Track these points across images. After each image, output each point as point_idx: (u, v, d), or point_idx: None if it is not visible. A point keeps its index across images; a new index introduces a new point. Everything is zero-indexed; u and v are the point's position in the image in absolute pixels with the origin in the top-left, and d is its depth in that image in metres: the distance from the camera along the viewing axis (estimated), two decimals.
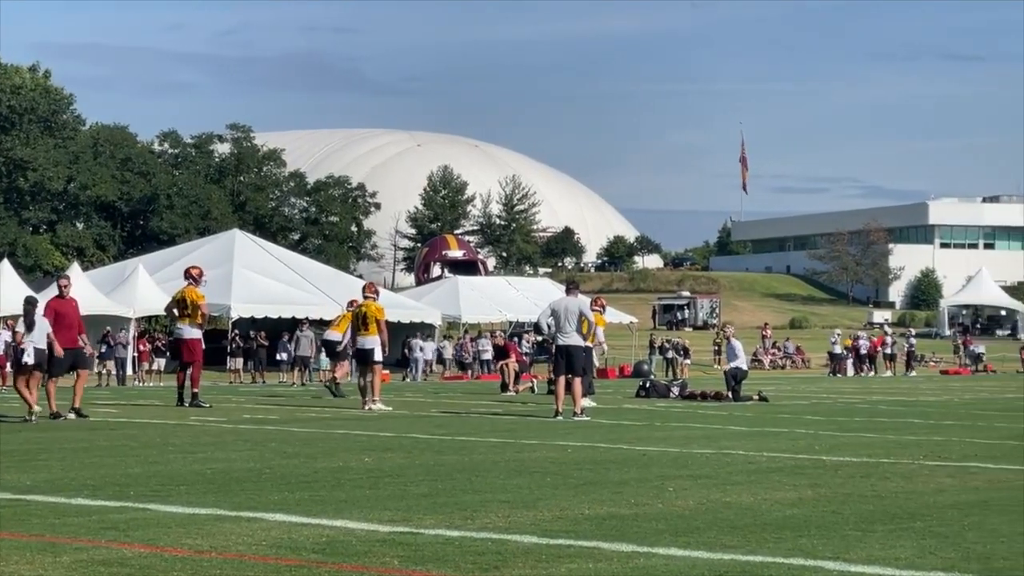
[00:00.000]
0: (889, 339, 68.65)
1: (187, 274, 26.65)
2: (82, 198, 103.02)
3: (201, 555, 8.03)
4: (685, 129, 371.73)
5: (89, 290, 51.15)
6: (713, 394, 32.28)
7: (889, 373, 65.64)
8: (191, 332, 25.97)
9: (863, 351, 66.91)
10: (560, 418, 22.49)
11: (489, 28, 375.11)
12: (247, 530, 8.96)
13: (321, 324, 57.87)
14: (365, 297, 27.21)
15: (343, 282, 60.51)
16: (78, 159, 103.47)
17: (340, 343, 34.12)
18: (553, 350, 24.51)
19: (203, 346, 26.60)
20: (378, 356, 26.34)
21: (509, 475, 12.81)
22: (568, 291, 24.55)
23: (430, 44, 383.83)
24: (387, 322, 27.45)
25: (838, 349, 66.62)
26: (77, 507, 10.10)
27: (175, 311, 26.42)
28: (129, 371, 49.70)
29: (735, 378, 31.81)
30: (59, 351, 21.63)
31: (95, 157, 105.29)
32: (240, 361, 51.68)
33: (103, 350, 48.37)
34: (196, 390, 25.73)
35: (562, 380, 23.56)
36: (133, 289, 52.07)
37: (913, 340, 71.59)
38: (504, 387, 36.86)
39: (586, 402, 24.73)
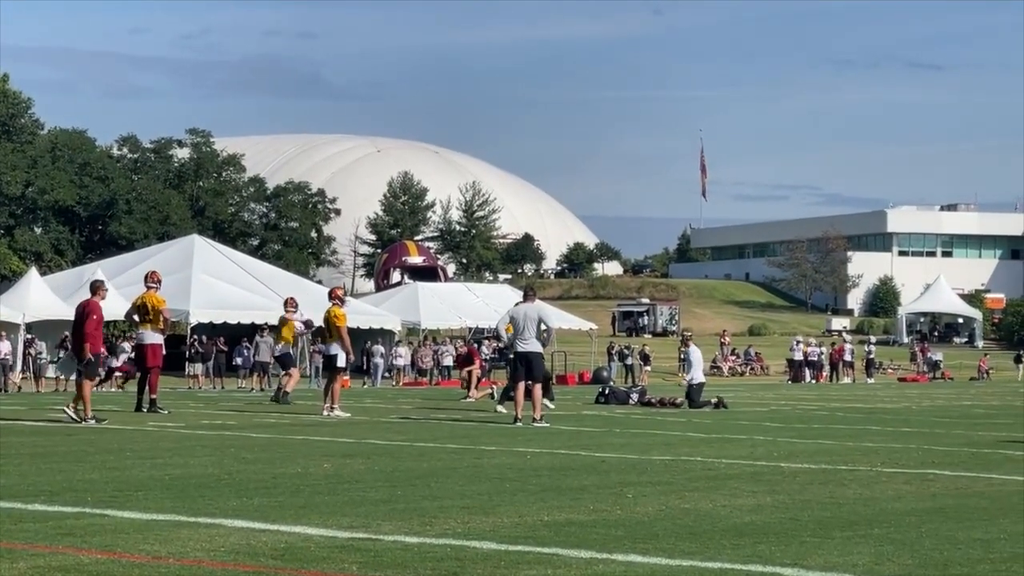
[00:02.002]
0: (848, 346, 69.01)
1: (148, 279, 26.55)
2: (40, 203, 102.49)
3: (159, 561, 8.00)
4: (645, 136, 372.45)
5: (47, 295, 50.93)
6: (671, 401, 32.35)
7: (848, 380, 65.94)
8: (152, 337, 25.86)
9: (812, 358, 67.28)
10: (519, 424, 22.50)
11: (450, 34, 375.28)
12: (205, 536, 8.93)
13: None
14: (332, 302, 27.11)
15: (303, 288, 60.31)
16: (36, 163, 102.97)
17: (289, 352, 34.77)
18: (511, 357, 24.54)
19: (164, 352, 26.51)
20: (341, 362, 26.33)
21: (468, 481, 12.81)
22: (526, 298, 24.58)
23: (391, 49, 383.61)
24: (347, 328, 27.35)
25: (798, 356, 66.92)
26: (34, 513, 10.04)
27: (135, 317, 26.32)
28: None
29: (697, 391, 31.82)
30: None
31: (53, 162, 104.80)
32: (199, 366, 51.47)
33: (60, 355, 48.10)
34: (154, 396, 25.60)
35: (521, 387, 23.58)
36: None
37: (872, 347, 71.95)
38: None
39: (546, 401, 24.78)
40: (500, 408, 27.31)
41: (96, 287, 23.86)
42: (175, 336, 53.42)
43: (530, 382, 23.58)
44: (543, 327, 23.75)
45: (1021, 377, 74.96)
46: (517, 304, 25.87)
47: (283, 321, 35.31)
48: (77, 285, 53.88)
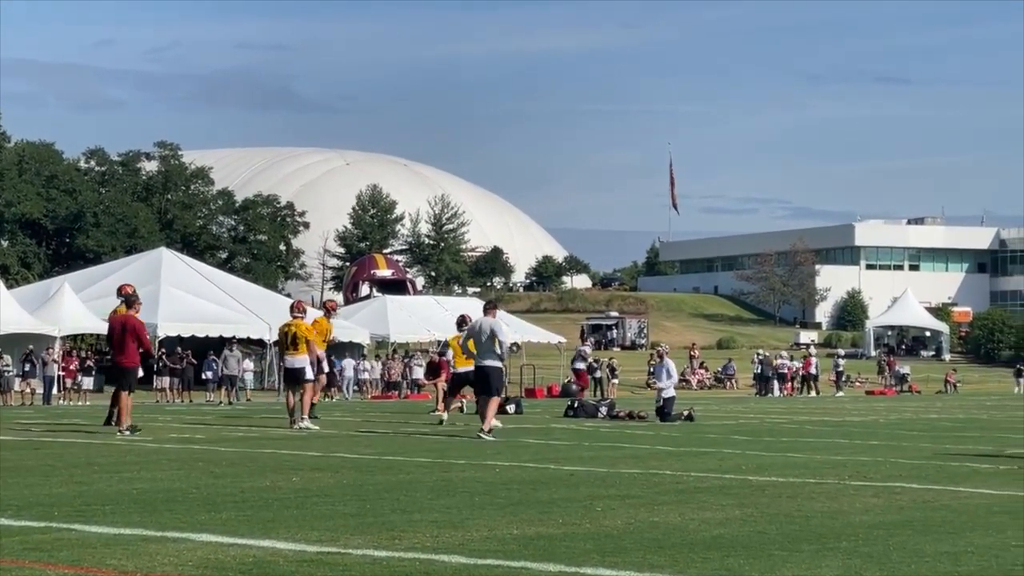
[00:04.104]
0: (815, 360, 69.37)
1: (119, 293, 26.36)
2: (7, 215, 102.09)
3: (126, 575, 7.96)
4: (614, 149, 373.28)
5: (14, 308, 50.74)
6: (640, 414, 32.40)
7: (814, 393, 66.25)
8: None
9: (782, 370, 67.62)
10: (489, 438, 22.46)
11: (420, 48, 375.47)
12: (173, 551, 8.90)
13: (249, 343, 57.86)
14: (293, 316, 27.11)
15: (271, 301, 60.31)
16: (3, 176, 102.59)
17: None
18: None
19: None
20: (309, 375, 26.29)
21: (437, 495, 12.80)
22: (485, 311, 24.52)
23: (362, 63, 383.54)
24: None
25: (757, 370, 67.28)
26: (0, 528, 9.99)
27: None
28: (54, 390, 49.23)
29: (664, 398, 31.87)
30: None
31: (20, 174, 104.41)
32: (167, 380, 51.31)
33: (26, 368, 47.94)
34: None
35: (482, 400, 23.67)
36: (59, 307, 51.67)
37: (842, 361, 72.30)
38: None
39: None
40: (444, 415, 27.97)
41: (132, 300, 24.08)
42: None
43: (483, 396, 23.62)
44: (498, 341, 23.63)
45: (1020, 391, 75.19)
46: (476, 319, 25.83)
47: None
48: (44, 298, 53.78)
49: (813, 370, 68.19)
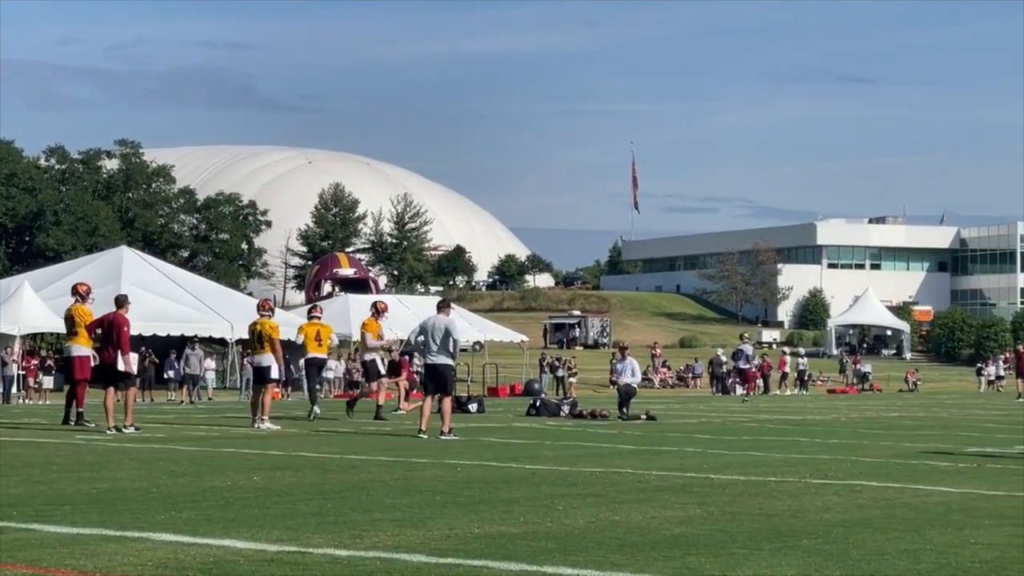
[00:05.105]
0: (787, 359, 69.97)
1: (74, 291, 26.29)
2: None
3: (85, 575, 7.93)
4: (577, 148, 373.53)
5: None
6: (602, 413, 32.44)
7: (786, 391, 66.64)
8: (79, 350, 25.60)
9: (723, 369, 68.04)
10: (423, 436, 22.46)
11: (383, 46, 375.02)
12: (132, 550, 8.85)
13: (211, 342, 57.64)
14: (261, 315, 26.98)
15: (233, 300, 60.11)
16: None
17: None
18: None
19: (92, 364, 26.25)
20: (275, 374, 26.22)
21: (398, 494, 12.78)
22: (439, 309, 24.39)
23: (324, 61, 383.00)
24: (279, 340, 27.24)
25: (722, 368, 67.48)
26: None
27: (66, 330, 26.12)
28: (14, 389, 48.96)
29: (626, 395, 31.95)
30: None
31: None
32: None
33: None
34: (81, 409, 25.39)
35: (429, 400, 23.59)
36: (19, 306, 51.33)
37: (804, 360, 72.72)
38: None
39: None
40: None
41: (122, 301, 24.70)
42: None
43: (439, 395, 23.58)
44: (451, 340, 23.54)
45: (982, 390, 75.52)
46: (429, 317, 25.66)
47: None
48: (4, 297, 53.40)
49: (787, 369, 68.76)
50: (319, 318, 31.23)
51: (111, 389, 23.91)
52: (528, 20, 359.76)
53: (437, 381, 23.54)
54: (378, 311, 31.05)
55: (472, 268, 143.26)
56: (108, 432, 22.85)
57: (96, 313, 25.39)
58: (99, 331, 24.49)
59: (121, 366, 23.77)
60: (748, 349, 54.79)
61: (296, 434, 23.83)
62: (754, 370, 55.62)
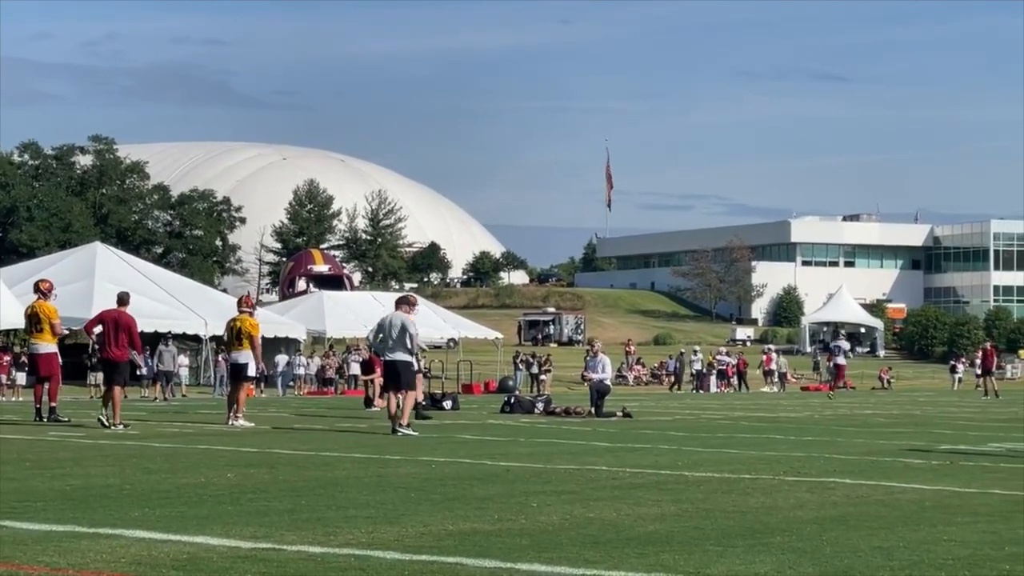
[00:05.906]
0: (775, 356, 70.25)
1: (36, 288, 26.12)
2: None
3: (58, 572, 7.90)
4: (551, 146, 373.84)
5: None
6: (576, 410, 32.46)
7: (769, 389, 66.89)
8: (45, 347, 25.52)
9: (720, 366, 68.16)
10: (399, 434, 22.41)
11: (358, 43, 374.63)
12: (106, 547, 8.83)
13: (184, 339, 57.50)
14: (240, 311, 26.80)
15: (207, 296, 59.99)
16: None
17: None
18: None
19: (60, 360, 26.18)
20: (252, 372, 26.12)
21: (372, 491, 12.77)
22: (397, 306, 24.33)
23: (300, 58, 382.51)
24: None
25: (697, 366, 67.58)
26: None
27: (29, 327, 25.99)
28: None
29: (600, 393, 31.98)
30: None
31: None
32: (101, 376, 50.83)
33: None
34: (54, 404, 25.33)
35: (392, 397, 23.57)
36: None
37: (783, 358, 73.01)
38: (368, 402, 36.60)
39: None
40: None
41: (124, 299, 24.95)
42: (77, 345, 52.77)
43: (399, 391, 23.52)
44: (408, 335, 23.48)
45: (955, 387, 75.60)
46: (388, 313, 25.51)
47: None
48: None
49: (773, 366, 68.99)
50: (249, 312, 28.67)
51: (117, 387, 24.06)
52: (503, 18, 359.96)
53: (395, 378, 23.52)
54: (410, 304, 29.38)
55: (447, 265, 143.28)
56: (118, 428, 23.08)
57: (60, 310, 25.47)
58: (99, 328, 24.39)
59: (141, 366, 24.22)
60: (845, 344, 54.82)
61: (270, 431, 23.79)
62: (846, 365, 55.01)
